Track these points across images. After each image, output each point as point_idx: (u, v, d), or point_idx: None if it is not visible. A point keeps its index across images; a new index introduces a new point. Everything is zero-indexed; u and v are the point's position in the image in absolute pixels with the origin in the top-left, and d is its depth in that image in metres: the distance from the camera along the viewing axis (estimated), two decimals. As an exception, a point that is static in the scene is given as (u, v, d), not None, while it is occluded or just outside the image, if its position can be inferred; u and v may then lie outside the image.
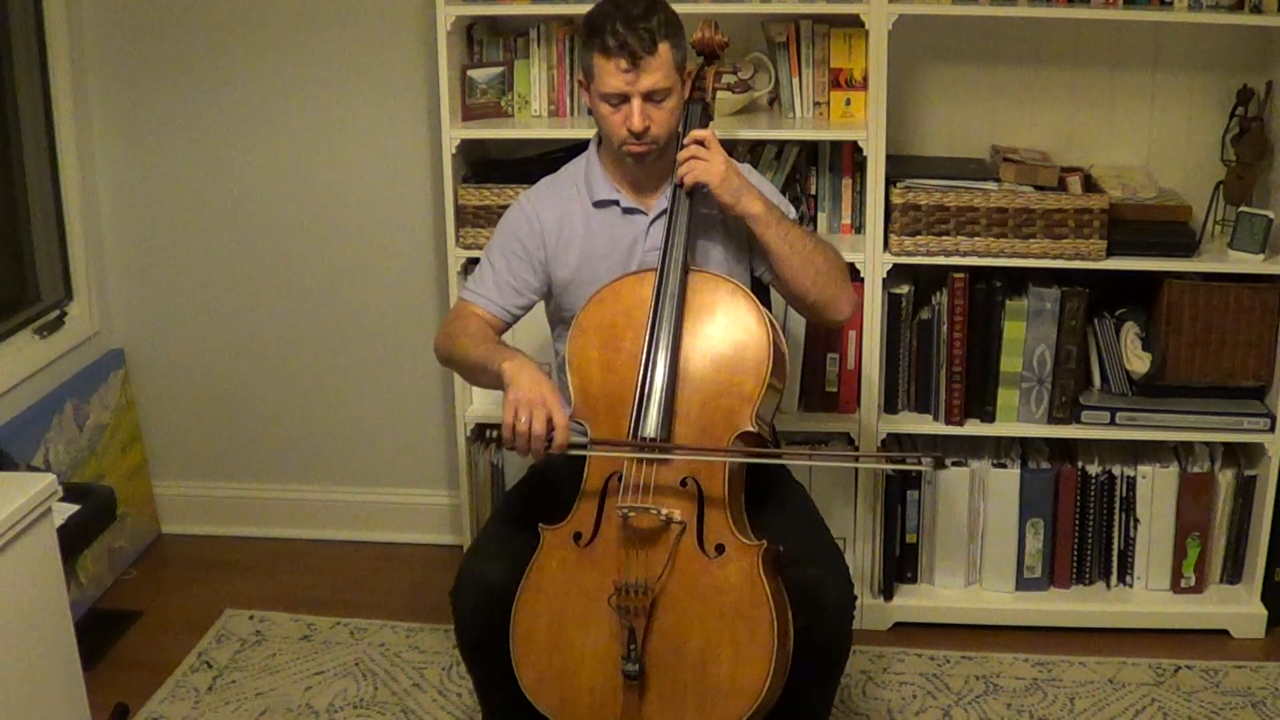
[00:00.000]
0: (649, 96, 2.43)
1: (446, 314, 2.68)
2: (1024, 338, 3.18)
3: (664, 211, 2.52)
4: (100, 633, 3.31)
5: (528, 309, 2.67)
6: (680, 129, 2.52)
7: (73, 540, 2.94)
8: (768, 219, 2.48)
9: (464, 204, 3.23)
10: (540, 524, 2.37)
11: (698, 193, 2.50)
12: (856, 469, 3.27)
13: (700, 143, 2.47)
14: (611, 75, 2.41)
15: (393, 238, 3.61)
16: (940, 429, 3.26)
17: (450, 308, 3.29)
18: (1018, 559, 3.33)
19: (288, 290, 3.69)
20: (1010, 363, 3.20)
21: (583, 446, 2.36)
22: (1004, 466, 3.28)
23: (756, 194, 2.49)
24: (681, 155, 2.47)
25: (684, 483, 2.32)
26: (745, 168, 2.63)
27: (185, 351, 3.76)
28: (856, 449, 3.25)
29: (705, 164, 2.45)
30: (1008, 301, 3.18)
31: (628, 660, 2.23)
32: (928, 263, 3.17)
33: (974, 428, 3.25)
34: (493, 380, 2.43)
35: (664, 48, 2.41)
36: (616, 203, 2.59)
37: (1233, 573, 3.34)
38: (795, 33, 3.17)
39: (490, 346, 2.50)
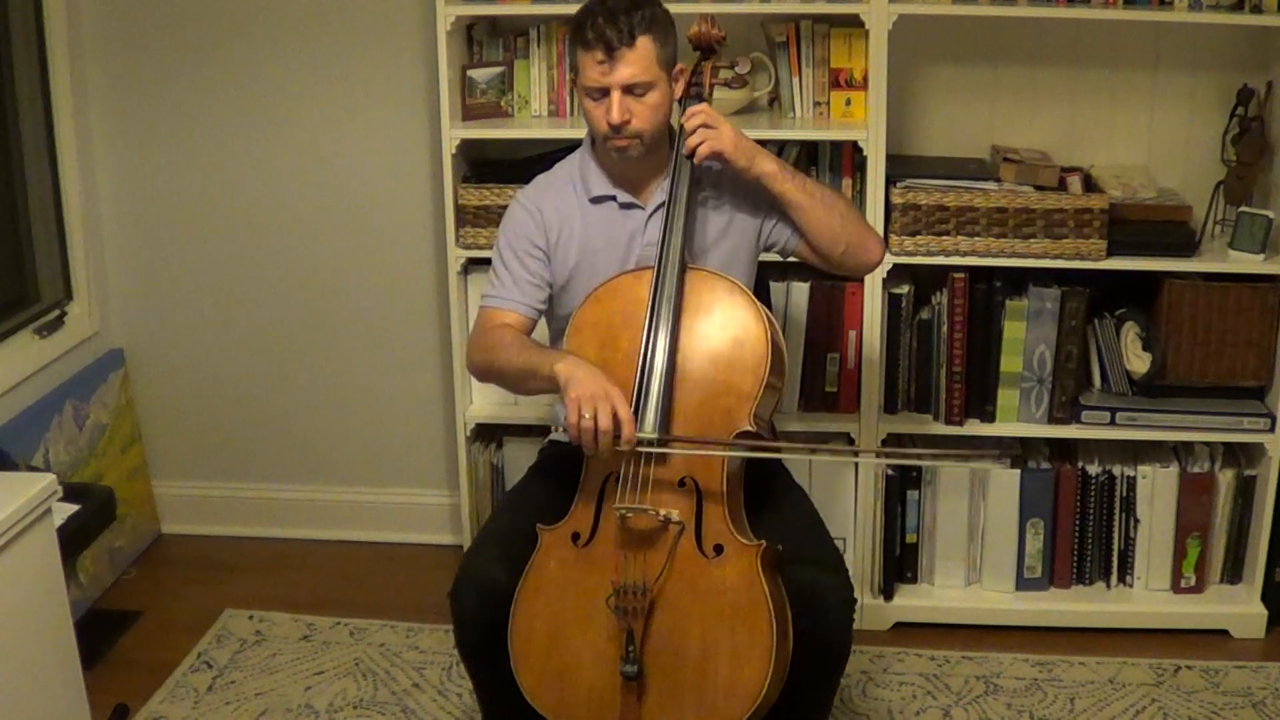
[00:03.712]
0: (629, 90, 2.41)
1: (473, 328, 2.61)
2: (1024, 338, 3.18)
3: (661, 205, 2.51)
4: (100, 633, 3.31)
5: (549, 302, 2.62)
6: (677, 127, 2.51)
7: (73, 540, 2.94)
8: (783, 174, 2.49)
9: (464, 204, 3.23)
10: (538, 524, 2.37)
11: (704, 171, 2.50)
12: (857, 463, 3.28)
13: (704, 118, 2.45)
14: (590, 68, 2.41)
15: (393, 238, 3.61)
16: (940, 429, 3.25)
17: (449, 307, 3.31)
18: (1018, 559, 3.32)
19: (287, 290, 3.69)
20: (1010, 363, 3.20)
21: (650, 443, 2.30)
22: (1004, 466, 3.28)
23: (766, 152, 2.49)
24: (690, 136, 2.44)
25: (682, 482, 2.31)
26: None
27: (185, 351, 3.77)
28: (856, 450, 3.25)
29: (715, 133, 2.44)
30: (1008, 301, 3.18)
31: (626, 662, 2.22)
32: (928, 263, 3.17)
33: (974, 428, 3.25)
34: (544, 384, 2.38)
35: (644, 41, 2.39)
36: (613, 198, 2.57)
37: (1233, 573, 3.34)
38: (795, 33, 3.17)
39: (534, 351, 2.45)
